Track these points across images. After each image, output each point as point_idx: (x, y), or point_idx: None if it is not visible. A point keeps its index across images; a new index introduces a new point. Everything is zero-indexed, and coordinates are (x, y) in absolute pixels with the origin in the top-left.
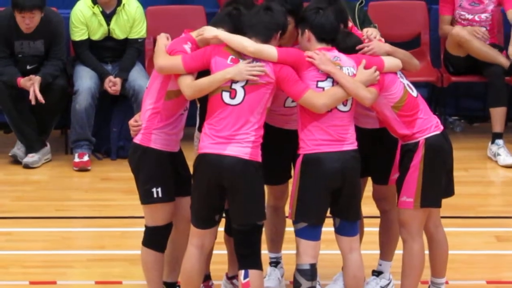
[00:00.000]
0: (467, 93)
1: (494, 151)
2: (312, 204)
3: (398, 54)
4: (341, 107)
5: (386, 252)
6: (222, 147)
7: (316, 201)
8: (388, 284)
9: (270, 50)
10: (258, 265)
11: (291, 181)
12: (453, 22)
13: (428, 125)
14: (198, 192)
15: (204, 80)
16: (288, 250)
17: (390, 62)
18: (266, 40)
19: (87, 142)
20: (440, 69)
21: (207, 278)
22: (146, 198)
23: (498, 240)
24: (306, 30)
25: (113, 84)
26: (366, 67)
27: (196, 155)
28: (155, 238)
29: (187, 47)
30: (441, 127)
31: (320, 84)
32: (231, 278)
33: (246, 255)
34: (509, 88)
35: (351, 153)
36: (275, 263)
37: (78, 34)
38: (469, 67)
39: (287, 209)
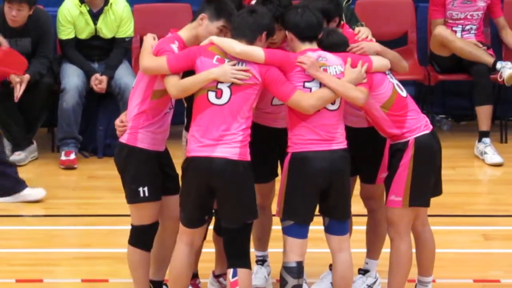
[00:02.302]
0: (454, 92)
1: (481, 149)
2: (299, 202)
3: (388, 55)
4: (329, 106)
5: (373, 251)
6: (210, 149)
7: (303, 199)
8: (375, 282)
9: (257, 51)
10: (246, 264)
11: (277, 179)
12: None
13: (417, 124)
14: (188, 195)
15: (188, 80)
16: (274, 249)
17: (379, 62)
18: (251, 40)
19: (73, 140)
20: (427, 67)
21: (194, 276)
22: (132, 197)
23: (485, 238)
24: (287, 31)
25: (99, 82)
26: (353, 66)
27: (185, 155)
28: (142, 237)
29: (175, 46)
30: (430, 127)
31: (307, 84)
32: (218, 276)
33: (235, 254)
34: (495, 86)
35: (339, 153)
36: (262, 261)
37: (65, 32)
38: (455, 66)
39: (273, 208)
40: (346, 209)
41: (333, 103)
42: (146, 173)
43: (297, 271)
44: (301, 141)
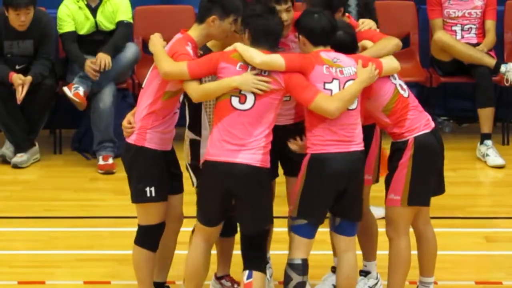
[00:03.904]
0: (456, 94)
1: (483, 151)
2: (316, 203)
3: (387, 48)
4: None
5: (368, 253)
6: (233, 155)
7: (320, 201)
8: (376, 283)
9: (277, 60)
10: (262, 268)
11: (278, 180)
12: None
13: (417, 124)
14: (207, 198)
15: (211, 85)
16: (276, 251)
17: (389, 66)
18: (271, 49)
19: (111, 143)
20: (429, 69)
21: None
22: (139, 197)
23: (487, 240)
24: (300, 36)
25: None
26: (364, 66)
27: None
28: (148, 237)
29: (189, 48)
30: (432, 125)
31: (328, 86)
32: (220, 278)
33: (252, 258)
34: (496, 88)
35: (357, 154)
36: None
37: (66, 26)
38: (456, 69)
39: (275, 210)
40: (360, 211)
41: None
42: (153, 173)
43: (302, 268)
44: (320, 142)
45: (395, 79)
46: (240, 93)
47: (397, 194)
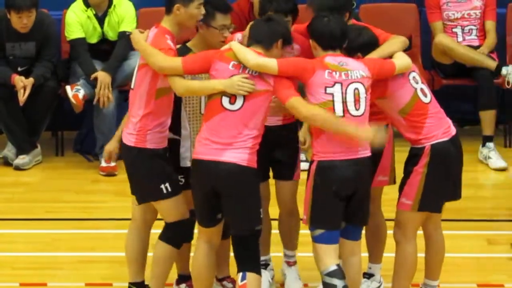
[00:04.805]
0: (458, 96)
1: (485, 154)
2: (327, 210)
3: (394, 46)
4: (354, 112)
5: (375, 255)
6: (219, 153)
7: (331, 207)
8: (379, 286)
9: (271, 64)
10: (256, 269)
11: (271, 182)
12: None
13: (435, 131)
14: (197, 196)
15: (196, 83)
16: (277, 253)
17: (401, 64)
18: (267, 47)
19: None
20: (431, 71)
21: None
22: (157, 195)
23: (489, 243)
24: (311, 40)
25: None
26: (377, 71)
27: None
28: (176, 233)
29: (169, 41)
30: (452, 133)
31: (329, 90)
32: (221, 279)
33: (244, 259)
34: (498, 90)
35: (364, 160)
36: (264, 265)
37: (76, 33)
38: (458, 72)
39: (271, 211)
40: (366, 215)
41: (357, 109)
42: (161, 170)
43: (341, 272)
44: (327, 148)
45: (416, 83)
46: (230, 93)
47: (409, 199)
